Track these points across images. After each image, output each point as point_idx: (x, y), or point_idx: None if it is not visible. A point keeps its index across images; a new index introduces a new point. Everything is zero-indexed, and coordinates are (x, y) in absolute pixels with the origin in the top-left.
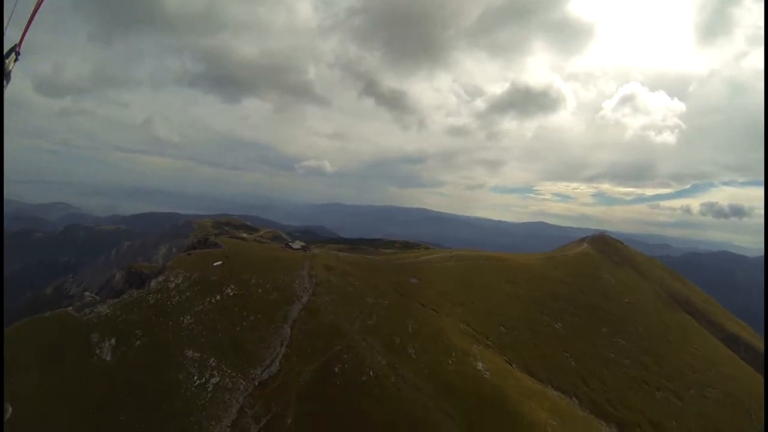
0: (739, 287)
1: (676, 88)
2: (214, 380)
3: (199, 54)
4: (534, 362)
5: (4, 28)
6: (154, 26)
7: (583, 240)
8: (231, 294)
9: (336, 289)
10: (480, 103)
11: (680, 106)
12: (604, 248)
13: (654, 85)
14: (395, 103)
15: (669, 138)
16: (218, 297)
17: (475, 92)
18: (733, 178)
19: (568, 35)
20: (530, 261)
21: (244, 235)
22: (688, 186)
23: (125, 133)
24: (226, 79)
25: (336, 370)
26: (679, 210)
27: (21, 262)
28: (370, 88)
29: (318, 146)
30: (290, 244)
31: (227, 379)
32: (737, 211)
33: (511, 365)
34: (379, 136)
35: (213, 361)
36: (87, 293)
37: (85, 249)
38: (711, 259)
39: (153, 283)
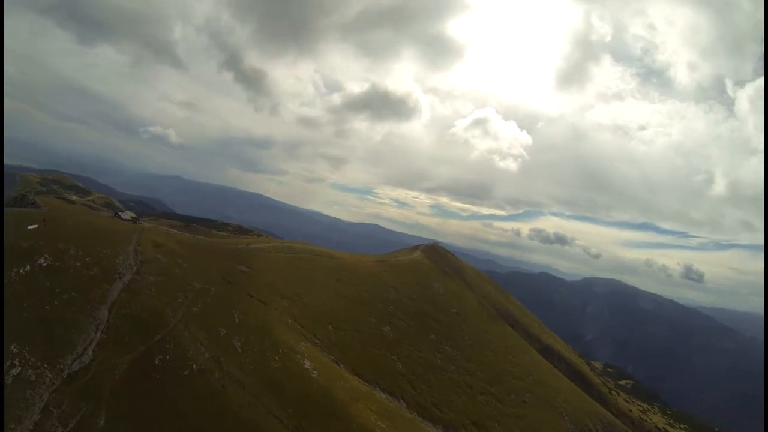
0: (556, 305)
1: (526, 121)
2: (14, 371)
3: None
4: (361, 364)
5: None
6: None
7: (416, 247)
8: (44, 265)
9: (162, 270)
10: (336, 98)
11: (527, 139)
12: (437, 258)
13: (507, 114)
14: (254, 83)
15: (512, 165)
16: (28, 267)
17: (334, 86)
18: (561, 210)
19: (439, 51)
20: (362, 262)
21: (74, 197)
22: (521, 211)
23: None
24: (84, 16)
25: (156, 362)
26: (510, 231)
27: None
28: (233, 62)
29: (167, 112)
30: (120, 214)
31: (30, 371)
32: (561, 240)
33: (338, 365)
34: (231, 114)
35: (14, 347)
36: None
37: None
38: (532, 279)
39: None
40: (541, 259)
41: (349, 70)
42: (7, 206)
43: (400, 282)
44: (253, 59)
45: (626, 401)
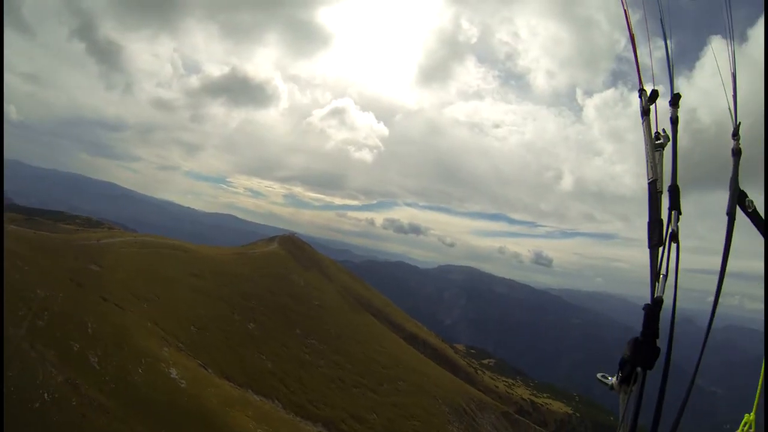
0: (413, 293)
1: (384, 113)
2: None
3: None
4: (230, 366)
5: None
6: None
7: (273, 239)
8: None
9: None
10: (194, 81)
11: (384, 131)
12: (293, 249)
13: (366, 105)
14: (107, 57)
15: (367, 156)
16: None
17: (193, 68)
18: (416, 200)
19: (305, 38)
20: (218, 255)
21: None
22: (375, 201)
23: None
24: None
25: None
26: (364, 221)
27: None
28: (86, 31)
29: (8, 85)
30: None
31: None
32: (415, 229)
33: (206, 370)
34: (80, 90)
35: None
36: None
37: None
38: (388, 267)
39: None
40: (396, 248)
41: (210, 52)
42: None
43: (259, 275)
44: (108, 29)
45: (491, 378)
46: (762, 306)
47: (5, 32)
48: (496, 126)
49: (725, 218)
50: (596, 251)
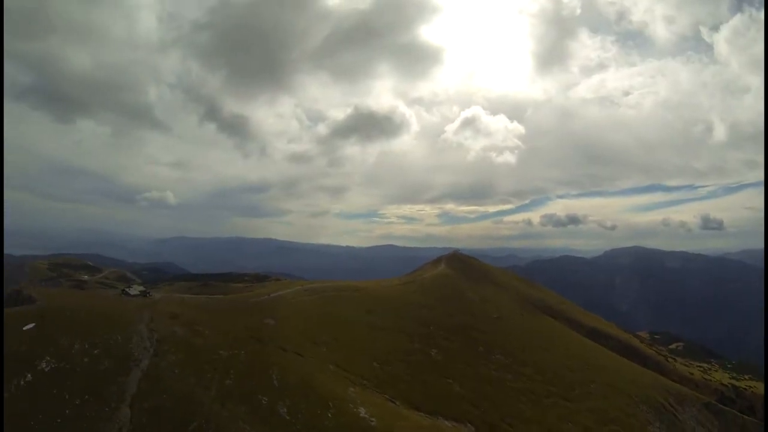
0: (584, 285)
1: (515, 111)
2: None
3: (22, 60)
4: (417, 395)
5: None
6: None
7: (439, 260)
8: (47, 369)
9: (183, 344)
10: (322, 129)
11: (519, 129)
12: (461, 266)
13: (495, 109)
14: (237, 129)
15: (509, 158)
16: (29, 376)
17: (317, 117)
18: (567, 191)
19: (415, 59)
20: (389, 287)
21: (86, 277)
22: (527, 201)
23: None
24: (58, 94)
25: None
26: (522, 223)
27: None
28: (212, 112)
29: (160, 176)
30: (127, 290)
31: None
32: (573, 220)
33: (394, 403)
34: (221, 164)
35: None
36: None
37: None
38: (555, 263)
39: None
40: (558, 243)
41: (329, 98)
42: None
43: (433, 299)
44: (231, 105)
45: (684, 365)
46: None
47: None
48: (626, 94)
49: None
50: None
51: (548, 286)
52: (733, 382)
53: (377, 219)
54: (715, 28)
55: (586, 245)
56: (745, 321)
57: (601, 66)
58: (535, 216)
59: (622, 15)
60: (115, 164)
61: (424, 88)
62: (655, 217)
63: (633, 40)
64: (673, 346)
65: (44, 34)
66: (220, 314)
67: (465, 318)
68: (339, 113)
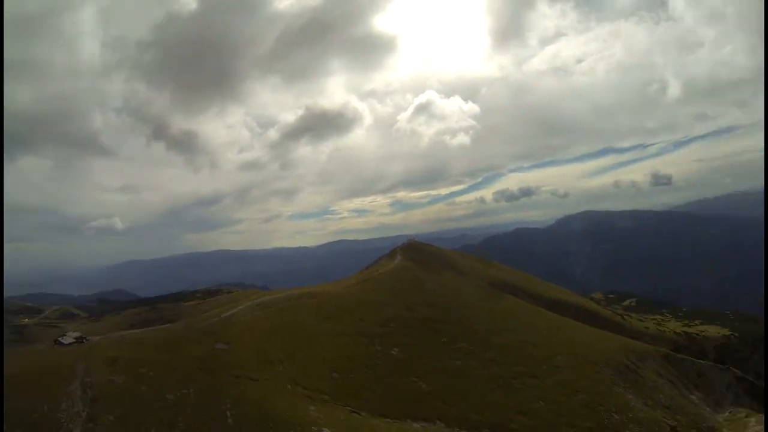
0: (540, 255)
1: (470, 92)
2: None
3: None
4: (382, 402)
5: None
6: None
7: (394, 251)
8: None
9: (122, 397)
10: (273, 134)
11: (474, 108)
12: (417, 255)
13: (449, 91)
14: (186, 146)
15: (464, 139)
16: None
17: (268, 123)
18: (519, 164)
19: (369, 50)
20: (345, 288)
21: (26, 320)
22: (480, 179)
23: None
24: None
25: None
26: (475, 202)
27: None
28: (160, 131)
29: (107, 202)
30: (61, 339)
31: None
32: (526, 192)
33: (359, 414)
34: (171, 182)
35: None
36: None
37: None
38: (508, 238)
39: None
40: (512, 216)
41: (280, 102)
42: None
43: (391, 295)
44: (180, 122)
45: (639, 320)
46: None
47: None
48: (579, 61)
49: None
50: (717, 151)
51: (504, 260)
52: (686, 329)
53: (329, 216)
54: None
55: (539, 215)
56: (696, 270)
57: (558, 35)
58: (487, 193)
59: None
60: (59, 197)
61: (378, 79)
62: (607, 180)
63: (590, 5)
64: (626, 302)
65: None
66: (166, 348)
67: (426, 311)
68: (290, 116)
